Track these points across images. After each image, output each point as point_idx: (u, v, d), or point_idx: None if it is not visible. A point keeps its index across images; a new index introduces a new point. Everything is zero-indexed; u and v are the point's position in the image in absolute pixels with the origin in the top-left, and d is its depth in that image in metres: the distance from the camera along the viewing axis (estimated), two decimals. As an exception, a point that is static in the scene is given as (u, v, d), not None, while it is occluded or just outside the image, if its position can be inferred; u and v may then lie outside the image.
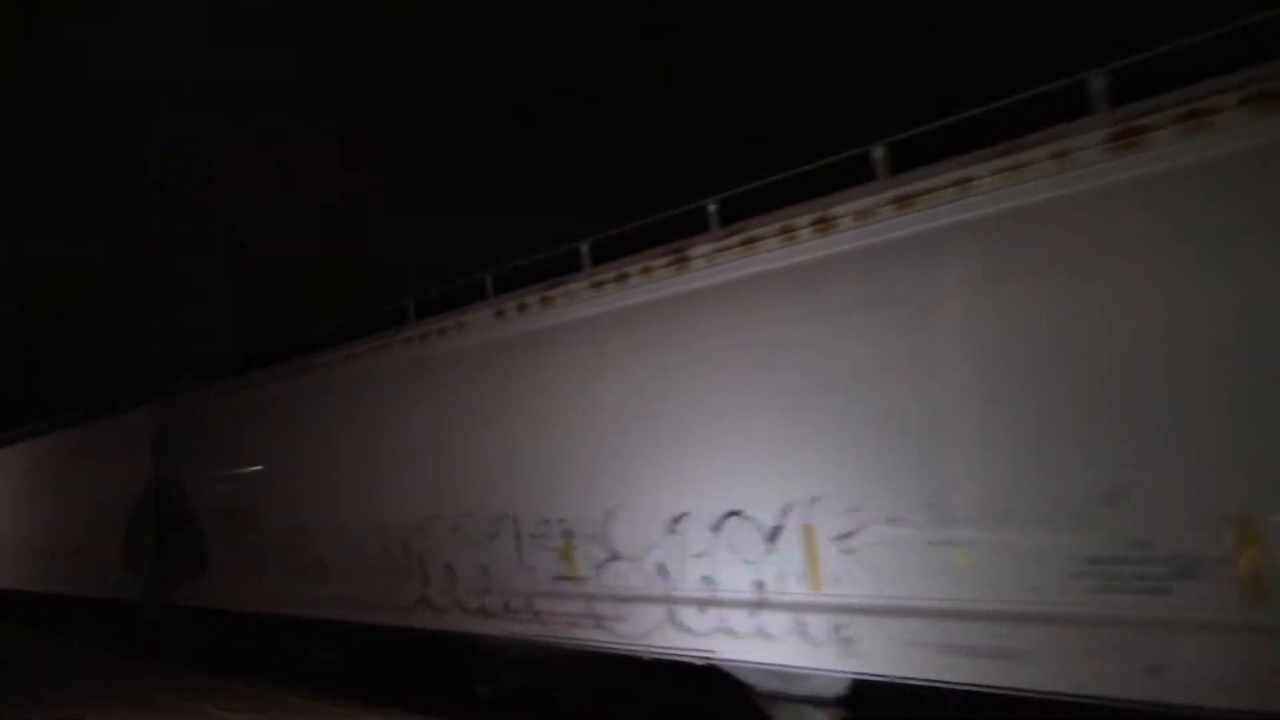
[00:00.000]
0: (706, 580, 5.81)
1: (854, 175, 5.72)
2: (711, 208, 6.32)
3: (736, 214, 6.28)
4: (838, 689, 5.47)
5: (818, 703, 5.62)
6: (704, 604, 5.81)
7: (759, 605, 5.52)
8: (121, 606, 13.01)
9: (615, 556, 6.38)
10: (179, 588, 11.53)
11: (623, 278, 6.68)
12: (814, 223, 5.55)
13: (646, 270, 6.51)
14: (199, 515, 11.23)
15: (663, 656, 6.08)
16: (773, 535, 5.47)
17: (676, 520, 5.99)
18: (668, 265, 6.39)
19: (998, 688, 4.42)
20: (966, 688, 4.55)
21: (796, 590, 5.35)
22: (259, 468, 10.04)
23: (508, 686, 7.54)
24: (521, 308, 7.42)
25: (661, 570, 6.07)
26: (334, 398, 9.17)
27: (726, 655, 5.68)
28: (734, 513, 5.68)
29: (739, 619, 5.61)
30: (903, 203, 5.16)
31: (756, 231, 5.86)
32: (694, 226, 6.51)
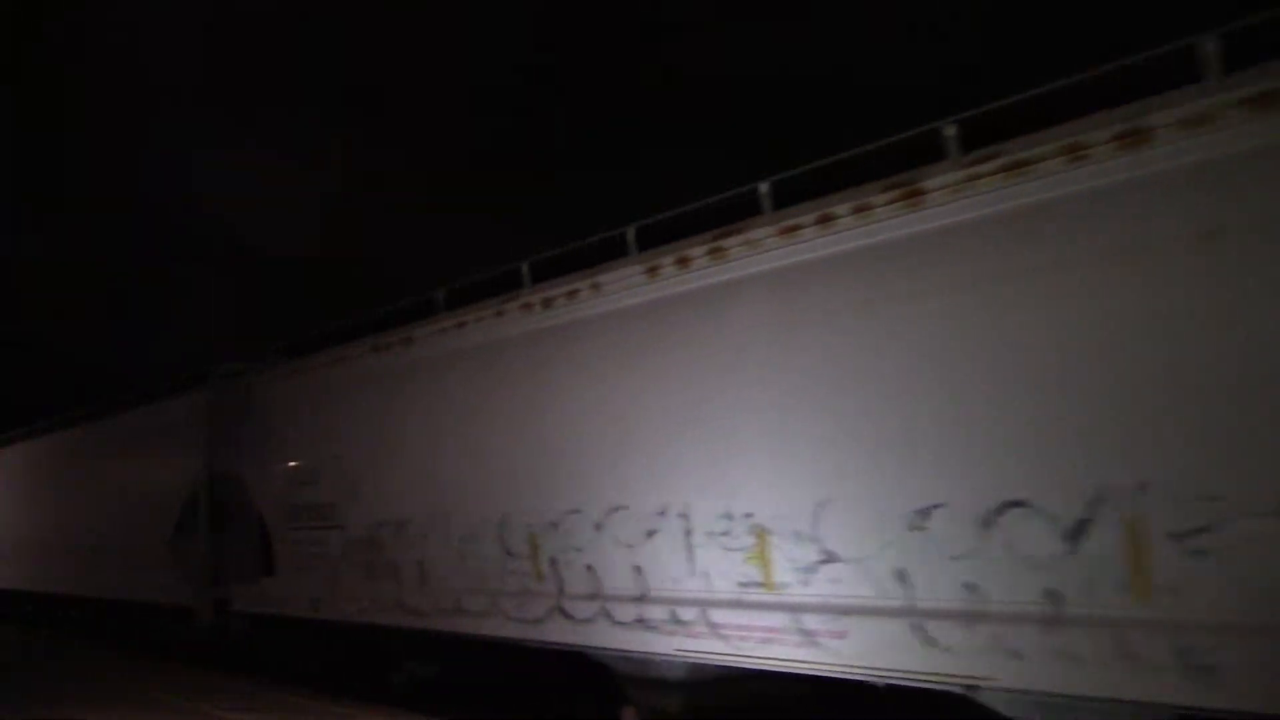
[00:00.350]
0: (970, 588, 4.64)
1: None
2: (950, 131, 5.15)
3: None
4: (1148, 725, 4.31)
5: (1106, 740, 4.46)
6: (969, 618, 4.63)
7: (1053, 621, 4.35)
8: (165, 611, 11.83)
9: (830, 558, 5.21)
10: (237, 591, 10.36)
11: (826, 220, 5.51)
12: (1120, 135, 4.38)
13: (862, 210, 5.34)
14: (263, 510, 10.06)
15: (902, 682, 4.91)
16: (1075, 532, 4.30)
17: (923, 513, 4.82)
18: (892, 203, 5.21)
19: None
20: None
21: (1114, 602, 4.18)
22: (340, 457, 8.87)
23: (665, 711, 6.37)
24: (682, 262, 6.25)
25: (900, 576, 4.90)
26: (437, 375, 8.00)
27: (1007, 682, 4.51)
28: (1014, 503, 4.50)
29: (1025, 637, 4.44)
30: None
31: (1033, 152, 4.68)
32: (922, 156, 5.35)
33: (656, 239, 6.80)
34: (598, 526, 6.46)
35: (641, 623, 6.14)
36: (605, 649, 6.40)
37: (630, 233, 6.82)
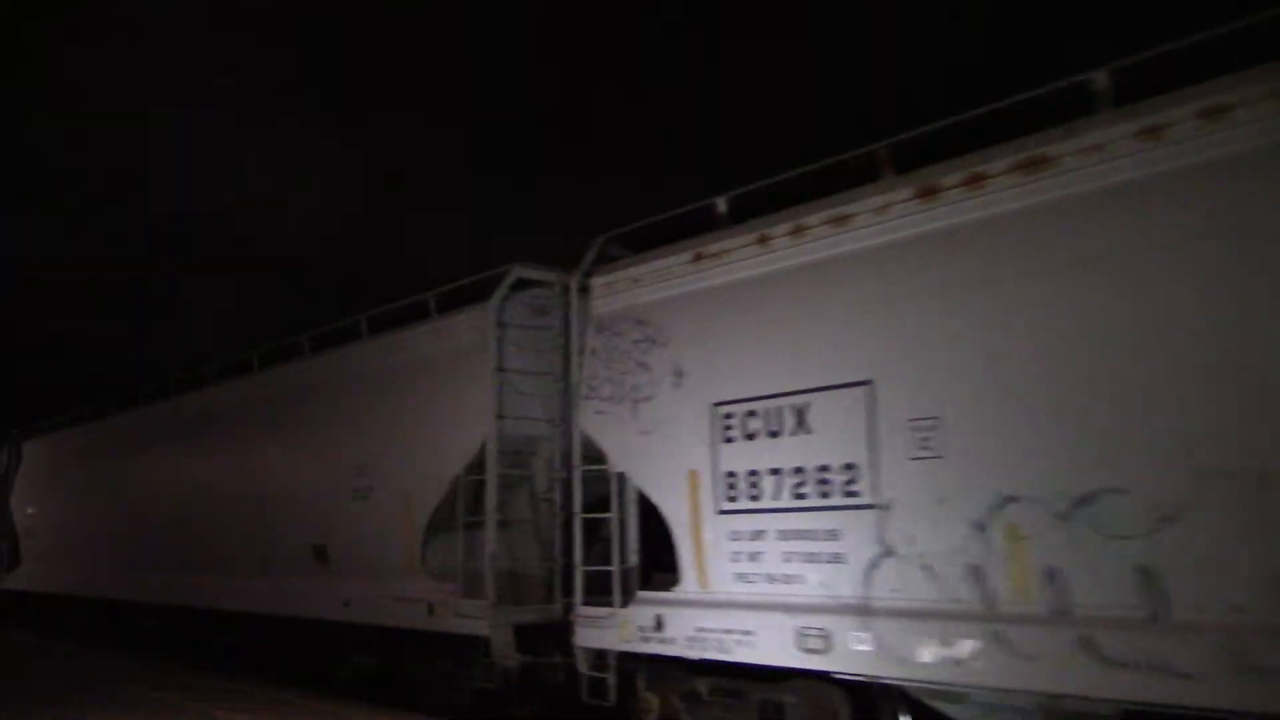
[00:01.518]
0: None
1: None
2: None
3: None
4: None
5: None
6: None
7: None
8: (430, 642, 7.84)
9: None
10: (581, 615, 6.48)
11: None
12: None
13: None
14: (641, 482, 6.21)
15: None
16: None
17: None
18: None
19: None
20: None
21: None
22: (874, 381, 5.00)
23: None
24: None
25: None
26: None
27: None
28: None
29: None
30: None
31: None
32: None
33: None
34: None
35: None
36: None
37: None
